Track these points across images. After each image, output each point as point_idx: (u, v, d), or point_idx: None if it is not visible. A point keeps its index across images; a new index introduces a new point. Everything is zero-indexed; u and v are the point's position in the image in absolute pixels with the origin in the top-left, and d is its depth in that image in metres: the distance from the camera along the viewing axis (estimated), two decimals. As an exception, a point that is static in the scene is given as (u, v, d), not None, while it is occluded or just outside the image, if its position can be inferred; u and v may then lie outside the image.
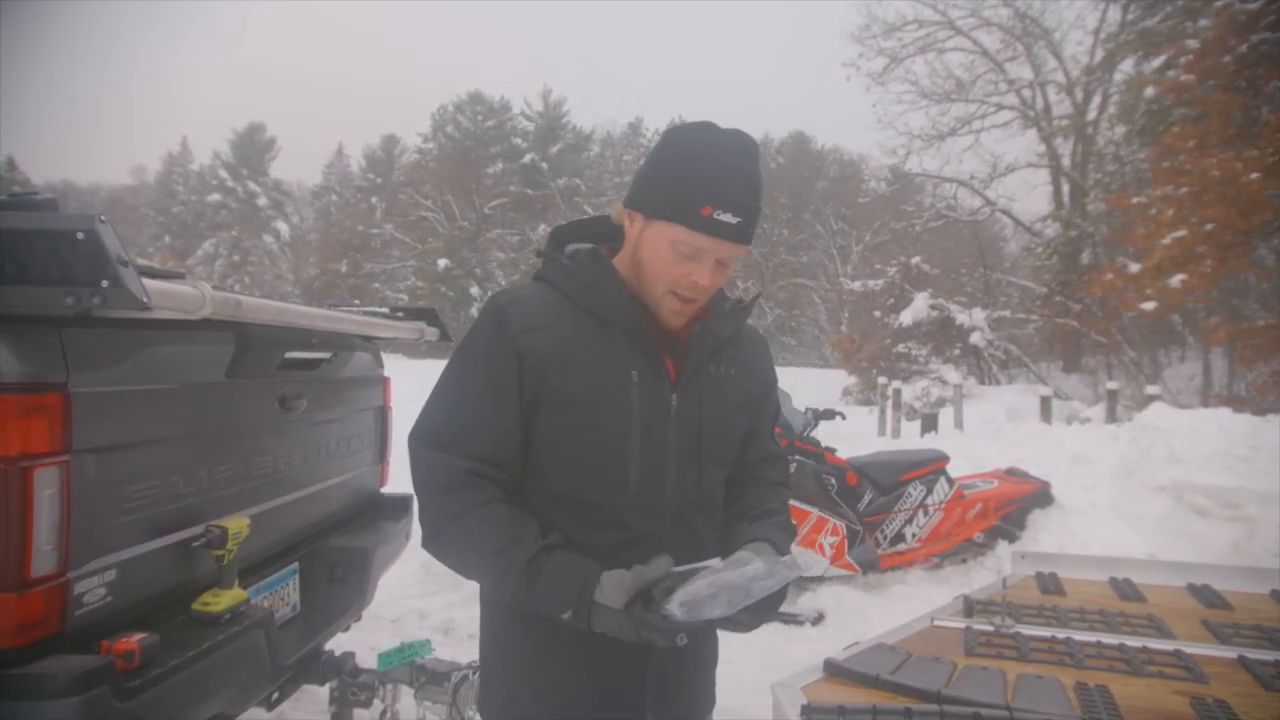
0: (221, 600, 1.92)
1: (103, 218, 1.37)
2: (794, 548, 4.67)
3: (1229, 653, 1.61)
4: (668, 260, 1.25)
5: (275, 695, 2.45)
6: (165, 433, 1.87)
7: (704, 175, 1.21)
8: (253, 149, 52.58)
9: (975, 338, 18.13)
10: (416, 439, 1.30)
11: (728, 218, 1.21)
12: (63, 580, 1.55)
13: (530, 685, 1.34)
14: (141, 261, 1.72)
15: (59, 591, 1.54)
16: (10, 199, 1.53)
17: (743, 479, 1.48)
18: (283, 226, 51.83)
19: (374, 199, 49.27)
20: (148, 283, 1.43)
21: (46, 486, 1.50)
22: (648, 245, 1.27)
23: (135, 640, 1.60)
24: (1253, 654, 1.60)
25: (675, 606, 1.14)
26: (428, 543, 1.28)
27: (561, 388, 1.26)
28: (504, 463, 1.28)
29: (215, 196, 51.18)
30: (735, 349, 1.42)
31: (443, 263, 40.93)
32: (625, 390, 1.27)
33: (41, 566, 1.50)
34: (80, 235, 1.35)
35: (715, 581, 1.17)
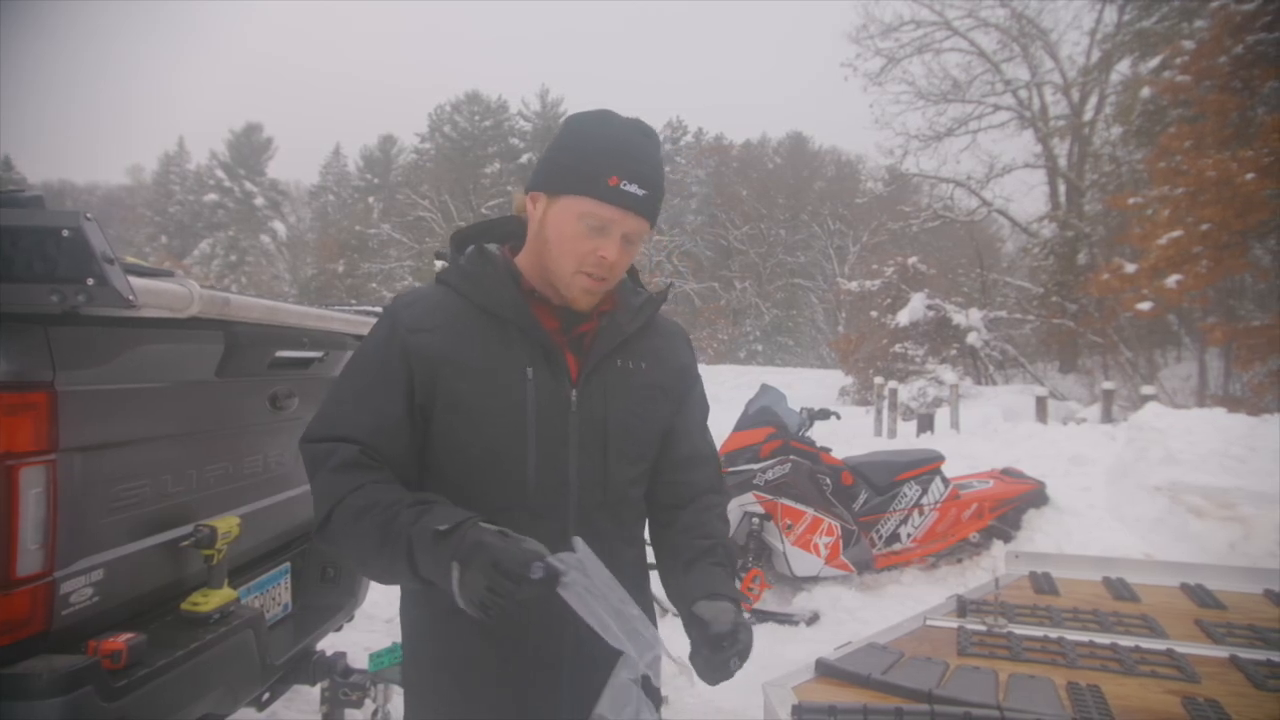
0: (210, 600, 1.91)
1: (88, 215, 1.36)
2: (792, 548, 4.62)
3: (1221, 652, 1.61)
4: (575, 235, 1.24)
5: (266, 695, 2.44)
6: (154, 431, 1.86)
7: (609, 148, 1.24)
8: (250, 149, 52.48)
9: (972, 338, 18.15)
10: (308, 435, 1.27)
11: (634, 189, 1.23)
12: (49, 580, 1.54)
13: (443, 694, 1.32)
14: (130, 259, 1.71)
15: (45, 591, 1.53)
16: (-4, 196, 1.52)
17: (671, 484, 1.43)
18: (280, 226, 51.73)
19: (371, 199, 49.18)
20: (135, 281, 1.42)
21: (32, 485, 1.49)
22: (553, 223, 1.26)
23: (122, 640, 1.59)
24: (1245, 654, 1.59)
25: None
26: (318, 533, 1.23)
27: (454, 387, 1.25)
28: (391, 457, 1.25)
29: (212, 196, 51.07)
30: (647, 342, 1.39)
31: (440, 263, 40.85)
32: (520, 387, 1.25)
33: (27, 566, 1.48)
34: (65, 232, 1.33)
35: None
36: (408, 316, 1.28)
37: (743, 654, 1.19)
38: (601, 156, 1.23)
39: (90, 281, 1.34)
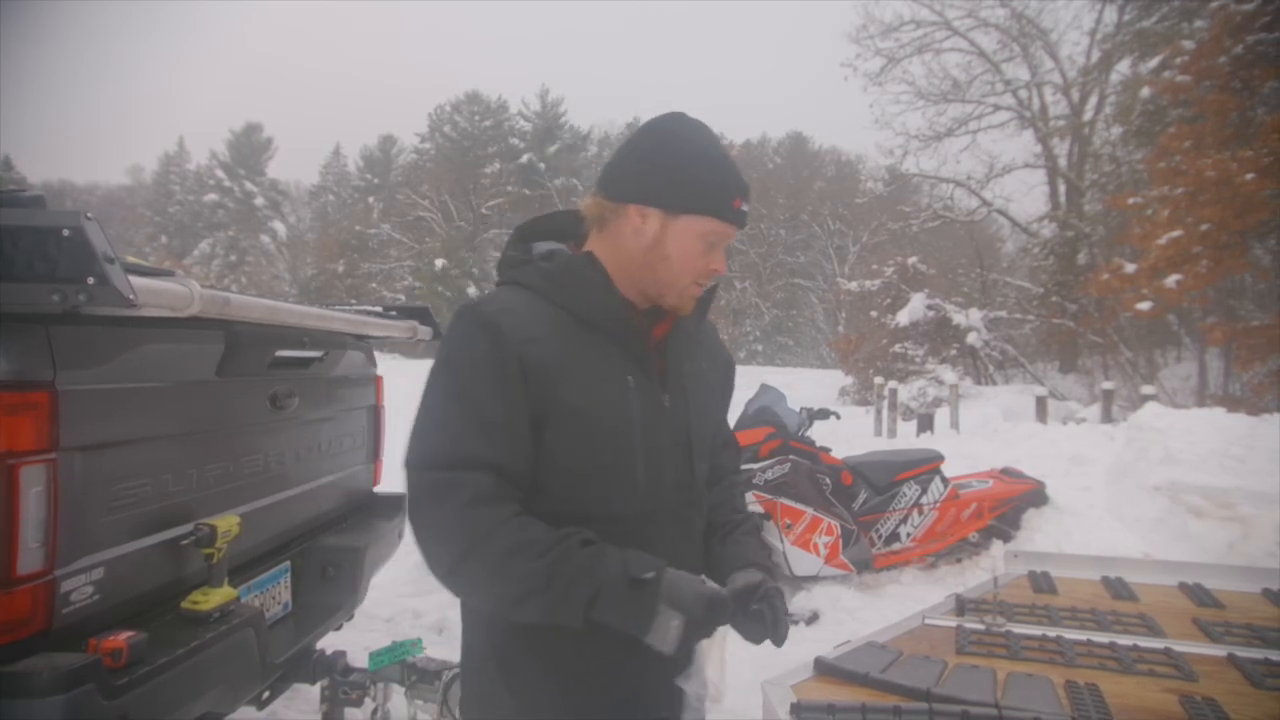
0: (211, 599, 1.92)
1: (89, 215, 1.37)
2: (792, 548, 4.63)
3: (1219, 651, 1.61)
4: (696, 252, 1.27)
5: (266, 694, 2.45)
6: (154, 431, 1.86)
7: (726, 167, 1.28)
8: (250, 149, 52.48)
9: (972, 338, 18.15)
10: (420, 465, 1.19)
11: (745, 207, 1.30)
12: (49, 578, 1.54)
13: (527, 694, 1.30)
14: (130, 259, 1.72)
15: (46, 589, 1.53)
16: (-3, 195, 1.52)
17: (710, 468, 1.49)
18: (280, 226, 51.71)
19: (371, 199, 49.19)
20: (135, 280, 1.43)
21: (33, 484, 1.49)
22: (675, 240, 1.27)
23: (123, 638, 1.59)
24: (1243, 652, 1.59)
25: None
26: (453, 569, 1.16)
27: (565, 401, 1.21)
28: (519, 479, 1.21)
29: (212, 196, 51.06)
30: (702, 340, 1.46)
31: (440, 263, 40.90)
32: (624, 396, 1.26)
33: (28, 564, 1.49)
34: (66, 232, 1.34)
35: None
36: (511, 325, 1.21)
37: (775, 611, 1.27)
38: (725, 178, 1.27)
39: (91, 281, 1.34)
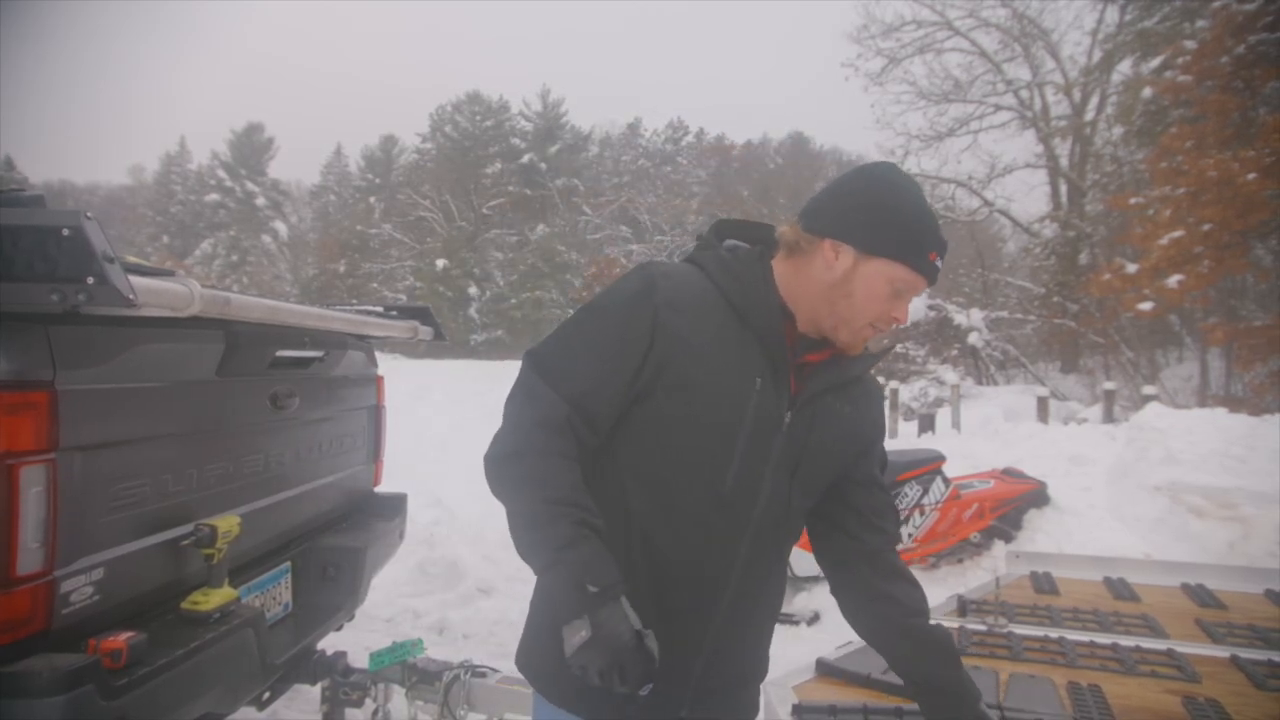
0: (211, 599, 1.91)
1: (89, 214, 1.36)
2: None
3: (1222, 652, 1.61)
4: (881, 296, 1.28)
5: (266, 694, 2.45)
6: (154, 431, 1.86)
7: (927, 220, 1.30)
8: (251, 149, 52.49)
9: (973, 338, 18.13)
10: (535, 362, 1.29)
11: (938, 263, 1.31)
12: (49, 578, 1.54)
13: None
14: (131, 259, 1.71)
15: (45, 590, 1.53)
16: (-3, 195, 1.52)
17: (863, 526, 1.44)
18: (281, 226, 51.72)
19: (372, 199, 49.18)
20: (135, 280, 1.42)
21: (33, 484, 1.49)
22: (863, 280, 1.28)
23: (123, 639, 1.59)
24: (1245, 653, 1.59)
25: None
26: (501, 458, 1.25)
27: (685, 373, 1.25)
28: (597, 426, 1.26)
29: (213, 196, 51.08)
30: (858, 389, 1.43)
31: (441, 263, 40.90)
32: (746, 393, 1.27)
33: (27, 564, 1.49)
34: (66, 232, 1.33)
35: None
36: (666, 288, 1.27)
37: None
38: (924, 230, 1.29)
39: (91, 280, 1.34)
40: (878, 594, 1.41)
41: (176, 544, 1.92)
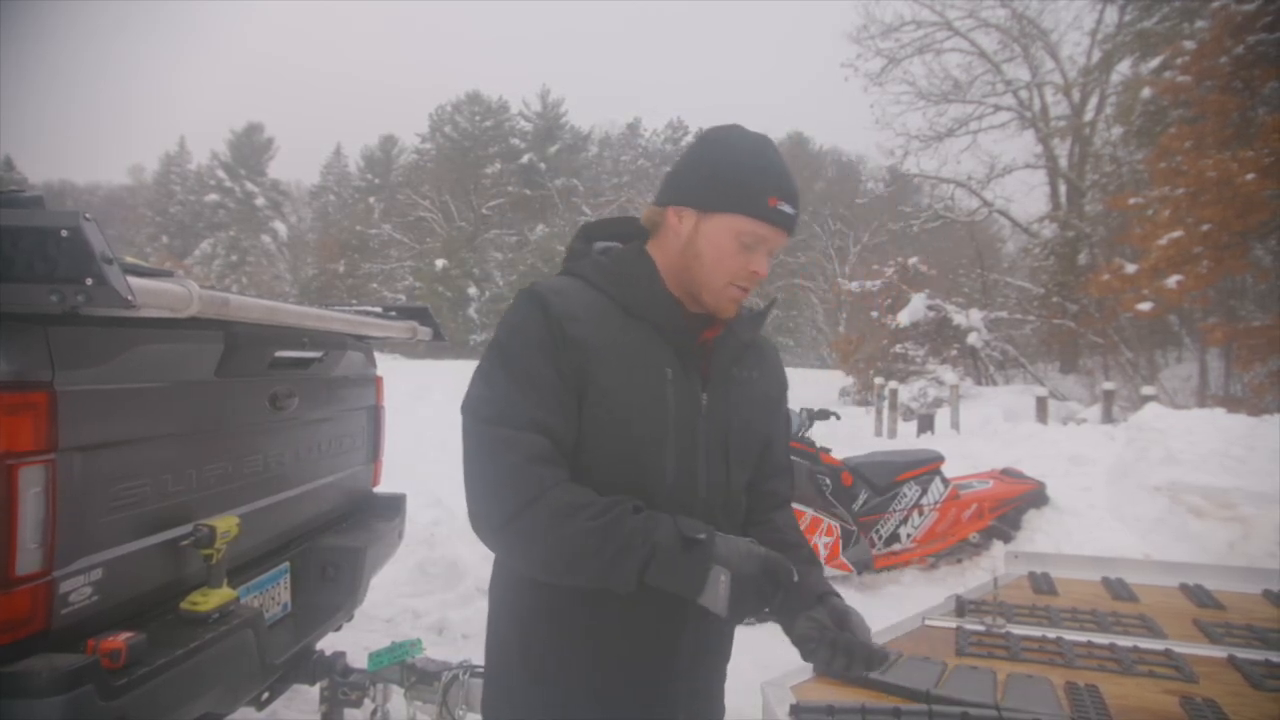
0: (210, 599, 1.91)
1: (87, 215, 1.36)
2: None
3: (1219, 652, 1.61)
4: (730, 251, 1.27)
5: (265, 695, 2.44)
6: (153, 431, 1.86)
7: (763, 167, 1.28)
8: (251, 149, 52.53)
9: (972, 338, 18.15)
10: (482, 415, 1.23)
11: (787, 208, 1.28)
12: (48, 579, 1.54)
13: (557, 687, 1.30)
14: (130, 259, 1.71)
15: (44, 590, 1.53)
16: (-4, 196, 1.52)
17: (764, 492, 1.49)
18: (280, 227, 51.76)
19: (372, 199, 49.24)
20: (134, 281, 1.42)
21: (32, 485, 1.49)
22: (707, 238, 1.28)
23: (122, 639, 1.59)
24: (1243, 653, 1.59)
25: None
26: (506, 524, 1.18)
27: (599, 381, 1.24)
28: (569, 450, 1.24)
29: (213, 196, 51.12)
30: (754, 354, 1.45)
31: (440, 263, 40.93)
32: (661, 387, 1.27)
33: (26, 565, 1.49)
34: (64, 233, 1.33)
35: None
36: (559, 303, 1.26)
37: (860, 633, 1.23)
38: (759, 177, 1.27)
39: (89, 281, 1.34)
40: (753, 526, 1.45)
41: (176, 544, 1.92)
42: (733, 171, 1.28)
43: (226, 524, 1.98)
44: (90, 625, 1.64)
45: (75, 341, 1.60)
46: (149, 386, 1.83)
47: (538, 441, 1.20)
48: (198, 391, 2.03)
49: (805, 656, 1.22)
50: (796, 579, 1.17)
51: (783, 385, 1.54)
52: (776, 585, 1.15)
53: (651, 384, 1.27)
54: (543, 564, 1.21)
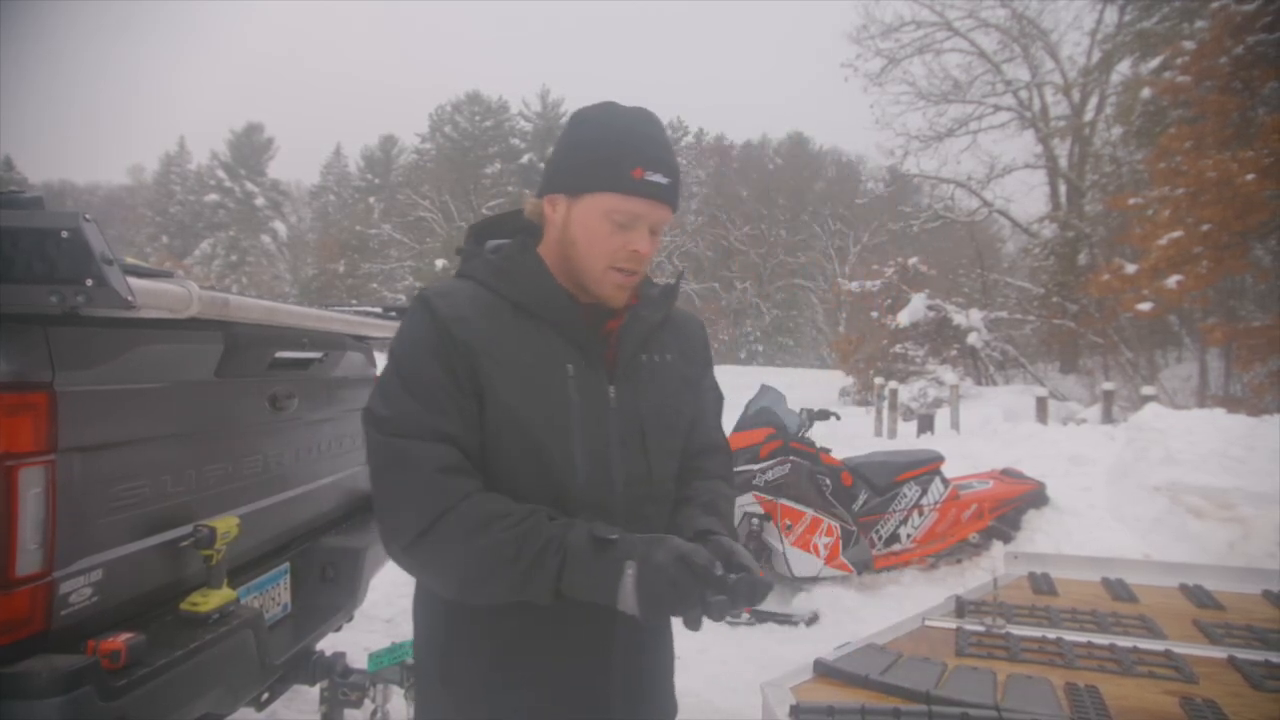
0: (210, 600, 1.91)
1: (88, 216, 1.36)
2: (792, 548, 4.61)
3: (1219, 653, 1.61)
4: (603, 233, 1.22)
5: (265, 695, 2.44)
6: (153, 432, 1.86)
7: (626, 140, 1.22)
8: (250, 149, 52.53)
9: (972, 338, 18.16)
10: (387, 427, 1.18)
11: (658, 178, 1.21)
12: (48, 580, 1.54)
13: (485, 696, 1.26)
14: (130, 260, 1.71)
15: (44, 591, 1.53)
16: (-4, 197, 1.52)
17: (686, 470, 1.41)
18: (280, 227, 51.78)
19: (372, 199, 49.24)
20: (134, 282, 1.42)
21: (31, 485, 1.49)
22: (579, 223, 1.23)
23: (121, 640, 1.59)
24: (1243, 654, 1.59)
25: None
26: (419, 539, 1.14)
27: (495, 384, 1.20)
28: (476, 458, 1.20)
29: (213, 196, 51.12)
30: (668, 334, 1.39)
31: (440, 263, 40.87)
32: (562, 384, 1.23)
33: (26, 566, 1.49)
34: (64, 234, 1.34)
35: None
36: (446, 306, 1.23)
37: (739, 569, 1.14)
38: (620, 150, 1.21)
39: (89, 282, 1.34)
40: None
41: (175, 545, 1.92)
42: (594, 149, 1.23)
43: (226, 524, 1.98)
44: (90, 626, 1.64)
45: (75, 342, 1.60)
46: (149, 387, 1.83)
47: (444, 451, 1.16)
48: (198, 392, 2.03)
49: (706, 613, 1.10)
50: (721, 571, 1.09)
51: (704, 362, 1.47)
52: (696, 579, 1.07)
53: (551, 383, 1.22)
54: (458, 580, 1.17)
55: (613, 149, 1.21)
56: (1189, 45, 12.66)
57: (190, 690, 1.78)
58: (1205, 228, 11.29)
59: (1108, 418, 10.83)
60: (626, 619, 1.14)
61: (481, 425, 1.21)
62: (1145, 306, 12.52)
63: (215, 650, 1.84)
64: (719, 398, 1.51)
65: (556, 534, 1.13)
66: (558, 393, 1.22)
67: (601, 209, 1.22)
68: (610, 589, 1.10)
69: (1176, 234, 11.66)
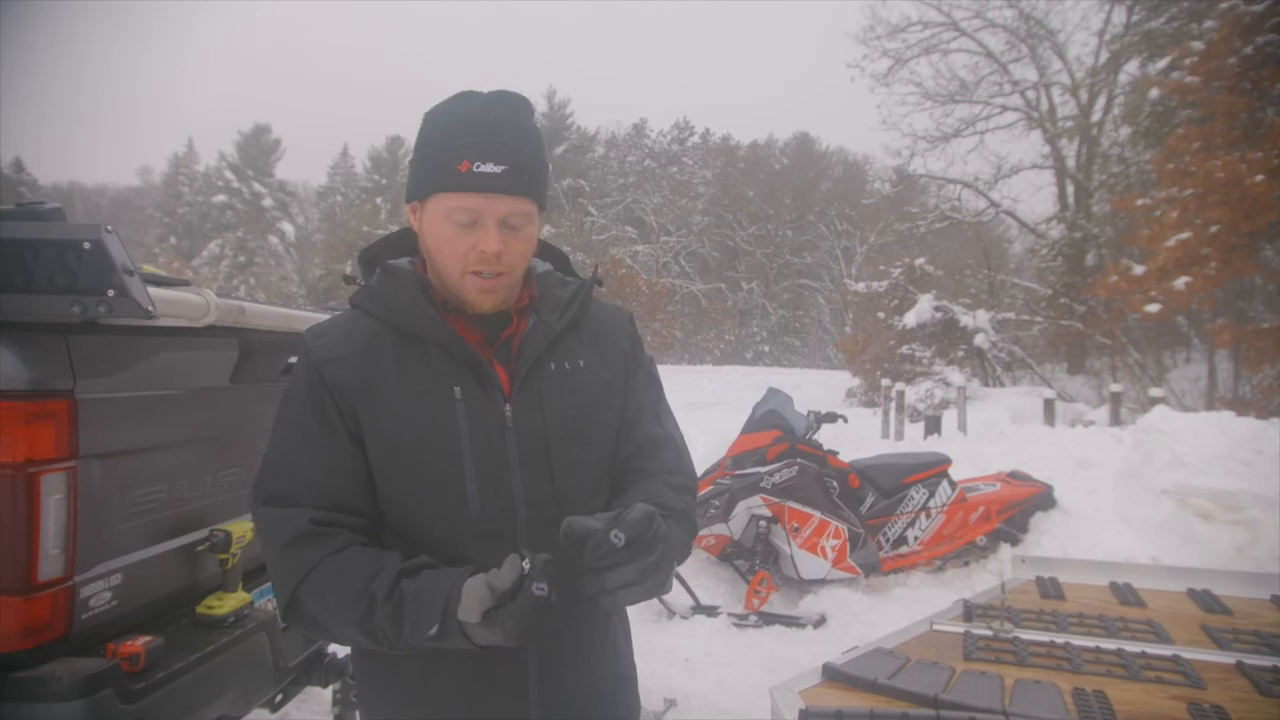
0: (226, 603, 1.94)
1: (109, 227, 1.39)
2: (799, 551, 4.59)
3: (1227, 658, 1.62)
4: (450, 236, 1.15)
5: (279, 697, 2.46)
6: (170, 438, 1.89)
7: (454, 132, 1.14)
8: (258, 150, 52.71)
9: (979, 340, 18.12)
10: (254, 498, 1.16)
11: (489, 168, 1.12)
12: (69, 584, 1.56)
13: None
14: (148, 269, 1.74)
15: (65, 595, 1.56)
16: (17, 208, 1.54)
17: (630, 472, 1.31)
18: (288, 227, 51.95)
19: (378, 200, 49.38)
20: (153, 291, 1.45)
21: (53, 492, 1.52)
22: (428, 229, 1.18)
23: (140, 643, 1.62)
24: (1251, 660, 1.60)
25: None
26: (285, 612, 1.13)
27: (375, 420, 1.15)
28: (352, 507, 1.15)
29: (221, 198, 51.28)
30: (582, 337, 1.30)
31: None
32: (448, 409, 1.16)
33: (48, 571, 1.51)
34: (87, 245, 1.36)
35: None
36: (319, 347, 1.18)
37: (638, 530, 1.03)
38: (447, 145, 1.14)
39: (111, 293, 1.37)
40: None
41: (192, 549, 1.95)
42: (425, 148, 1.17)
43: (242, 529, 2.00)
44: (109, 629, 1.67)
45: (94, 350, 1.62)
46: (166, 394, 1.86)
47: (298, 519, 1.11)
48: (213, 398, 2.06)
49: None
50: (532, 566, 1.01)
51: (631, 359, 1.34)
52: (518, 625, 1.00)
53: (436, 409, 1.15)
54: (331, 634, 1.14)
55: (440, 144, 1.15)
56: (1197, 45, 12.61)
57: (206, 693, 1.80)
58: (1214, 229, 11.24)
59: (1115, 420, 10.79)
60: (536, 650, 1.16)
61: (370, 463, 1.16)
62: (1153, 308, 12.47)
63: (231, 653, 1.87)
64: (657, 388, 1.40)
65: (388, 624, 1.06)
66: (445, 419, 1.16)
67: (441, 209, 1.15)
68: (470, 639, 1.04)
69: (1185, 235, 11.62)
